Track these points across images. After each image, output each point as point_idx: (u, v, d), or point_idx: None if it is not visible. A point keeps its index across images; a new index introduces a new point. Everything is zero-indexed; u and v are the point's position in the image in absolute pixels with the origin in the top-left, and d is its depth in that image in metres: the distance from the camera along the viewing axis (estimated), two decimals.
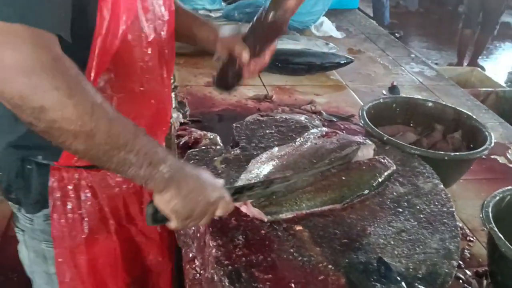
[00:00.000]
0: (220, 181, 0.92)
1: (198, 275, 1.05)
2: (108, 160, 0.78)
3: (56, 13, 0.74)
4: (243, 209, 0.97)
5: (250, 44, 1.09)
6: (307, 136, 1.23)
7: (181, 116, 1.61)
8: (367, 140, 1.20)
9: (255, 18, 1.10)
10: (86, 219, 1.05)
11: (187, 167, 0.87)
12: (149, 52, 1.00)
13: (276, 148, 1.18)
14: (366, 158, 1.16)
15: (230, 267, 0.88)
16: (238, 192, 0.95)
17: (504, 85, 4.75)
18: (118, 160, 0.78)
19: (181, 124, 1.59)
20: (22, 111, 0.71)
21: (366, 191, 1.08)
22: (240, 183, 1.06)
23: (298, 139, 1.23)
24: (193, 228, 1.06)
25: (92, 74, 0.89)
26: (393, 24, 5.97)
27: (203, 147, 1.30)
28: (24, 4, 0.69)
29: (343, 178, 1.07)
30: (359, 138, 1.22)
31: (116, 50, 0.91)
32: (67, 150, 0.79)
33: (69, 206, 1.03)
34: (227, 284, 0.85)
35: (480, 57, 5.28)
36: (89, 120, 0.73)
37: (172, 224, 0.87)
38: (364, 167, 1.12)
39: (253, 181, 1.03)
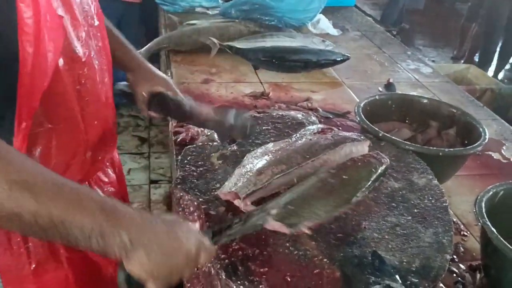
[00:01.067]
0: (195, 225, 0.83)
1: (195, 269, 1.06)
2: (52, 237, 0.70)
3: None
4: (268, 226, 0.94)
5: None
6: (303, 132, 1.24)
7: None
8: (361, 137, 1.22)
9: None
10: (33, 252, 0.99)
11: (153, 219, 0.75)
12: (85, 71, 0.96)
13: (271, 144, 1.20)
14: (361, 153, 1.17)
15: (227, 260, 0.89)
16: (216, 235, 0.86)
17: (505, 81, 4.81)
18: (61, 237, 0.68)
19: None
20: None
21: (365, 187, 1.09)
22: (233, 178, 1.07)
23: (293, 135, 1.24)
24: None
25: (24, 116, 0.83)
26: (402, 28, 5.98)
27: (200, 144, 1.31)
28: None
29: (344, 177, 1.08)
30: (353, 135, 1.23)
31: (48, 84, 0.85)
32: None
33: (15, 239, 0.97)
34: (224, 277, 0.86)
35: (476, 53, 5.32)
36: (7, 203, 0.64)
37: (152, 287, 0.74)
38: (359, 164, 1.14)
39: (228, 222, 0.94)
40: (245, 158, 1.15)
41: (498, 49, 5.16)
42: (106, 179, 1.20)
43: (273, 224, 0.95)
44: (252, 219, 0.92)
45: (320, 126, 1.31)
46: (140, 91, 1.21)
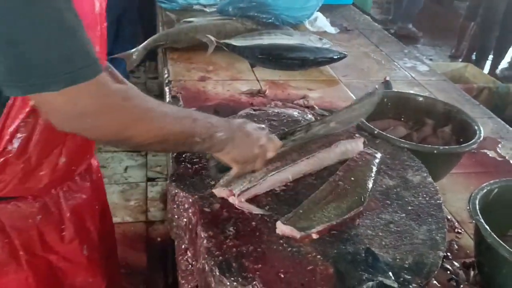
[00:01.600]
0: (265, 128, 1.08)
1: (190, 266, 1.07)
2: (180, 148, 1.04)
3: (93, 51, 0.78)
4: (278, 231, 0.97)
5: None
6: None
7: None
8: (356, 134, 1.22)
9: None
10: None
11: (236, 123, 1.04)
12: None
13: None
14: (356, 151, 1.18)
15: (220, 257, 0.90)
16: (283, 138, 1.09)
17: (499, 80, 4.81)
18: (188, 146, 0.96)
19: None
20: (114, 144, 0.96)
21: (371, 185, 1.10)
22: (226, 178, 1.07)
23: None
24: (185, 219, 1.07)
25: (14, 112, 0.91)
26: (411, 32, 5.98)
27: None
28: (81, 61, 0.75)
29: (352, 178, 1.09)
30: (348, 133, 1.24)
31: None
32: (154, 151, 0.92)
33: None
34: (217, 274, 0.87)
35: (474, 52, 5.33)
36: (160, 132, 0.88)
37: (234, 171, 1.03)
38: (360, 163, 1.14)
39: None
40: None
41: (491, 50, 5.18)
42: (75, 187, 1.18)
43: (283, 228, 0.96)
44: (314, 129, 1.14)
45: None
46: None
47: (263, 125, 1.11)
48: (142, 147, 0.95)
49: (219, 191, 1.05)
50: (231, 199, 1.03)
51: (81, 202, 1.18)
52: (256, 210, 1.02)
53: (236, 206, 1.02)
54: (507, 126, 1.83)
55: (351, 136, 1.21)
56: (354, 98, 1.81)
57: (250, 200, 1.05)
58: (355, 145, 1.19)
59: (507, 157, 1.63)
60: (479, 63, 4.95)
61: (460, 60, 5.20)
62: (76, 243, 1.16)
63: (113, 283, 1.33)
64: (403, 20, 5.98)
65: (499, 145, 1.70)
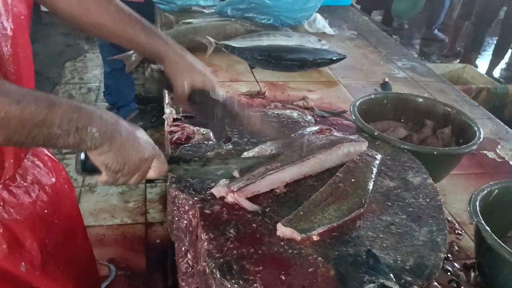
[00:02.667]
0: (156, 147, 0.93)
1: (190, 268, 1.06)
2: (34, 140, 0.77)
3: None
4: (279, 233, 0.96)
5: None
6: (301, 132, 1.25)
7: (174, 111, 1.62)
8: (360, 138, 1.22)
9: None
10: None
11: (121, 121, 0.87)
12: None
13: (268, 142, 1.20)
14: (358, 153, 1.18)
15: (221, 259, 0.89)
16: (174, 162, 0.96)
17: (501, 80, 4.83)
18: (44, 137, 0.77)
19: (174, 120, 1.60)
20: None
21: (372, 187, 1.09)
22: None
23: (292, 135, 1.24)
24: (185, 222, 1.07)
25: None
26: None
27: (195, 143, 1.31)
28: None
29: (353, 180, 1.09)
30: (352, 136, 1.24)
31: None
32: None
33: None
34: (218, 276, 0.86)
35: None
36: None
37: (102, 177, 0.88)
38: (360, 164, 1.14)
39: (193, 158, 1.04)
40: (242, 156, 1.15)
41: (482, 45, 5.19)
42: (12, 202, 1.07)
43: (284, 230, 0.96)
44: (212, 166, 1.00)
45: (320, 126, 1.32)
46: (181, 83, 1.16)
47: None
48: None
49: (218, 191, 1.05)
50: (230, 197, 1.02)
51: (19, 221, 1.07)
52: (251, 207, 1.01)
53: (233, 202, 1.02)
54: (506, 127, 1.83)
55: (354, 139, 1.21)
56: (353, 99, 1.80)
57: (250, 199, 1.04)
58: (359, 148, 1.19)
59: (506, 158, 1.63)
60: (468, 58, 4.97)
61: (458, 61, 5.21)
62: (12, 259, 1.06)
63: None
64: (428, 25, 6.01)
65: (499, 146, 1.70)
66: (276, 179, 1.09)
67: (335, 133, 1.25)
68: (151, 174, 0.93)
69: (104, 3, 1.17)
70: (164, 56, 1.19)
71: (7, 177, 1.07)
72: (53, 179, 1.22)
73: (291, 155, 1.12)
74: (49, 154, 1.26)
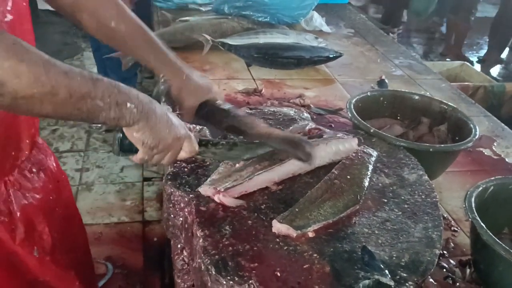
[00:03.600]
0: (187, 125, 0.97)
1: (186, 265, 1.06)
2: (79, 112, 0.80)
3: None
4: (274, 229, 0.96)
5: None
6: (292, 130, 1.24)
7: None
8: (350, 135, 1.21)
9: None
10: None
11: (155, 102, 0.90)
12: None
13: None
14: (350, 152, 1.17)
15: (217, 256, 0.89)
16: (203, 145, 0.99)
17: (499, 78, 4.84)
18: (88, 109, 0.80)
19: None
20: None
21: (367, 183, 1.09)
22: (214, 175, 1.07)
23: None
24: (181, 219, 1.07)
25: None
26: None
27: None
28: None
29: (348, 177, 1.09)
30: (342, 134, 1.23)
31: None
32: (39, 117, 0.81)
33: None
34: (213, 272, 0.86)
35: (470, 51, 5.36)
36: (47, 80, 0.73)
37: (138, 154, 0.92)
38: (356, 161, 1.14)
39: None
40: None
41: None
42: (27, 186, 1.11)
43: (279, 227, 0.96)
44: (238, 150, 1.04)
45: (310, 124, 1.31)
46: (187, 105, 1.19)
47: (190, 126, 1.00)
48: (18, 101, 0.73)
49: (205, 190, 1.04)
50: (216, 198, 1.02)
51: (34, 204, 1.11)
52: (235, 203, 1.02)
53: (226, 204, 1.01)
54: (503, 124, 1.84)
55: (344, 136, 1.20)
56: (350, 97, 1.80)
57: (244, 196, 1.04)
58: (349, 146, 1.18)
59: (502, 155, 1.63)
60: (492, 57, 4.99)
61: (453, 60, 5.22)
62: (26, 244, 1.10)
63: (75, 284, 1.28)
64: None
65: (495, 143, 1.70)
66: (264, 179, 1.07)
67: (326, 132, 1.24)
68: (182, 154, 0.96)
69: (122, 13, 1.18)
70: (171, 79, 1.21)
71: (23, 159, 1.09)
72: (54, 165, 1.24)
73: (280, 152, 1.10)
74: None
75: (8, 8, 0.95)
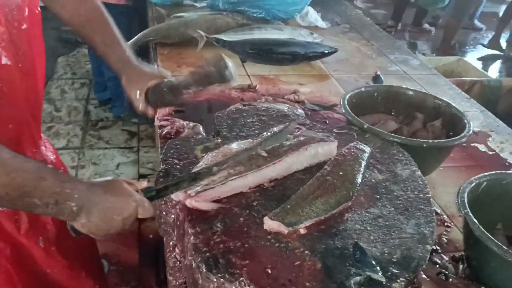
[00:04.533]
0: (142, 184, 0.98)
1: (178, 262, 1.06)
2: (13, 205, 0.88)
3: None
4: (266, 226, 0.95)
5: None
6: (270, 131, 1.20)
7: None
8: (330, 137, 1.19)
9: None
10: None
11: (97, 190, 0.91)
12: (1, 74, 0.95)
13: (234, 143, 1.15)
14: (329, 156, 1.16)
15: (208, 253, 0.89)
16: (163, 190, 0.98)
17: (497, 74, 4.84)
18: (23, 205, 0.86)
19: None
20: None
21: (360, 180, 1.09)
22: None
23: (261, 135, 1.18)
24: (173, 216, 1.06)
25: None
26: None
27: (184, 136, 1.30)
28: None
29: (340, 173, 1.08)
30: (321, 135, 1.20)
31: None
32: None
33: None
34: (204, 270, 0.86)
35: (467, 46, 5.36)
36: None
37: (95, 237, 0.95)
38: (349, 157, 1.14)
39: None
40: (204, 157, 1.10)
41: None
42: None
43: (271, 224, 0.95)
44: (201, 181, 1.00)
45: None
46: (133, 92, 1.18)
47: (143, 183, 1.00)
48: None
49: (176, 195, 1.01)
50: (188, 203, 0.99)
51: None
52: (211, 207, 0.99)
53: (200, 208, 0.99)
54: (498, 119, 1.83)
55: (323, 139, 1.17)
56: (344, 92, 1.80)
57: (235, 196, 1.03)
58: (328, 148, 1.16)
59: (497, 151, 1.63)
60: None
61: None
62: (31, 234, 1.14)
63: (81, 275, 1.31)
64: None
65: (489, 139, 1.70)
66: (238, 185, 1.04)
67: (306, 133, 1.21)
68: (140, 216, 0.95)
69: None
70: (120, 73, 1.21)
71: (30, 154, 1.14)
72: (54, 156, 1.28)
73: (257, 158, 1.08)
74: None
75: (25, 15, 1.00)
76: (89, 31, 1.20)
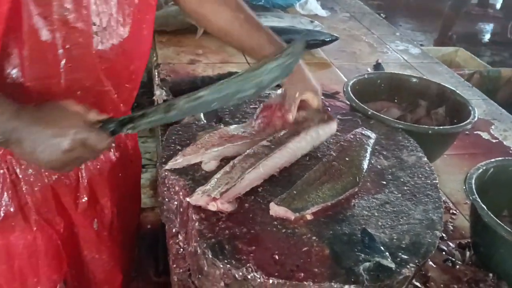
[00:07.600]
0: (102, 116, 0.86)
1: (181, 249, 1.04)
2: None
3: None
4: (272, 212, 0.93)
5: None
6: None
7: (164, 93, 1.59)
8: (328, 116, 1.16)
9: None
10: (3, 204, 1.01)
11: (24, 116, 0.80)
12: (76, 38, 0.91)
13: (233, 126, 1.14)
14: (329, 135, 1.15)
15: (213, 239, 0.87)
16: (127, 123, 0.86)
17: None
18: None
19: (164, 101, 1.56)
20: None
21: (366, 165, 1.07)
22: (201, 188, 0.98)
23: (253, 119, 1.17)
24: (176, 202, 1.04)
25: None
26: None
27: (185, 123, 1.28)
28: None
29: (347, 159, 1.06)
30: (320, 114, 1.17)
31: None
32: None
33: None
34: (210, 256, 0.84)
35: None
36: None
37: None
38: (354, 143, 1.12)
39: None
40: (200, 134, 1.10)
41: None
42: (102, 157, 1.12)
43: (277, 210, 0.93)
44: (172, 112, 0.89)
45: None
46: (293, 92, 1.14)
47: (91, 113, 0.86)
48: None
49: (196, 200, 0.95)
50: (211, 206, 0.94)
51: (101, 176, 1.13)
52: (233, 206, 0.95)
53: (218, 210, 0.94)
54: (500, 108, 1.82)
55: (322, 119, 1.15)
56: (346, 80, 1.78)
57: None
58: (328, 129, 1.14)
59: (500, 139, 1.62)
60: None
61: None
62: (88, 214, 1.13)
63: (122, 266, 1.28)
64: None
65: (492, 127, 1.69)
66: (255, 177, 1.01)
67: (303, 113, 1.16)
68: (100, 148, 0.86)
69: (235, 10, 1.18)
70: None
71: None
72: (132, 145, 1.25)
73: (261, 147, 1.06)
74: None
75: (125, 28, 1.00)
76: (251, 37, 1.20)
